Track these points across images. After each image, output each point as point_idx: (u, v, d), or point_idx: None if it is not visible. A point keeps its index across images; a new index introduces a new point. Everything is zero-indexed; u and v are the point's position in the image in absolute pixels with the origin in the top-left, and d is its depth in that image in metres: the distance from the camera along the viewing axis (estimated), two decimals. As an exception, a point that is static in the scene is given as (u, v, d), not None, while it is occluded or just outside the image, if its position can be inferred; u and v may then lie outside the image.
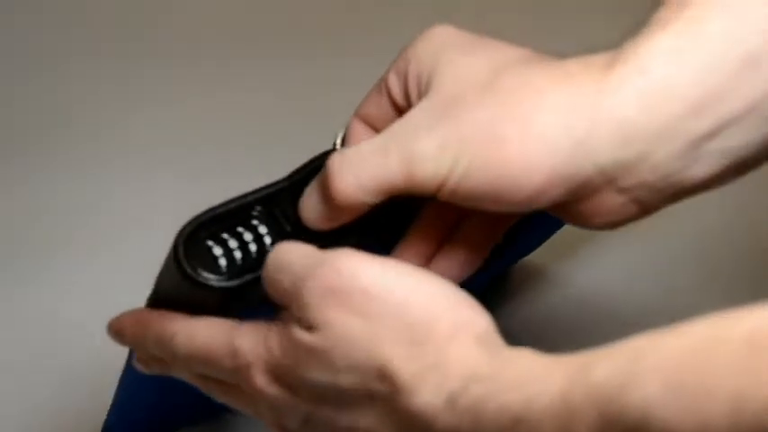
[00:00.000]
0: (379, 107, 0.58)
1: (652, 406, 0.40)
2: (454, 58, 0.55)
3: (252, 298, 0.56)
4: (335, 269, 0.51)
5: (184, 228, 0.56)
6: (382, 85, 0.58)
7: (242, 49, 1.09)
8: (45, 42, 1.09)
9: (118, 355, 0.67)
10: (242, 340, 0.53)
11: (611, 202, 0.54)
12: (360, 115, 0.59)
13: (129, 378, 0.66)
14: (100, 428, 0.72)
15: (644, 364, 0.41)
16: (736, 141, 0.53)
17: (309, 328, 0.51)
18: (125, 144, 1.00)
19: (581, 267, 0.86)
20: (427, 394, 0.48)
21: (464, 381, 0.47)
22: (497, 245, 0.61)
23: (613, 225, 0.55)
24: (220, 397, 0.56)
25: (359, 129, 0.59)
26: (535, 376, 0.45)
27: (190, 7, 1.13)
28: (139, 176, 0.97)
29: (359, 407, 0.50)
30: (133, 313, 0.59)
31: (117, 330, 0.59)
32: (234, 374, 0.54)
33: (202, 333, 0.55)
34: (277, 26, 1.11)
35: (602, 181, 0.53)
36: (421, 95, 0.56)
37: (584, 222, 0.56)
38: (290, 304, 0.52)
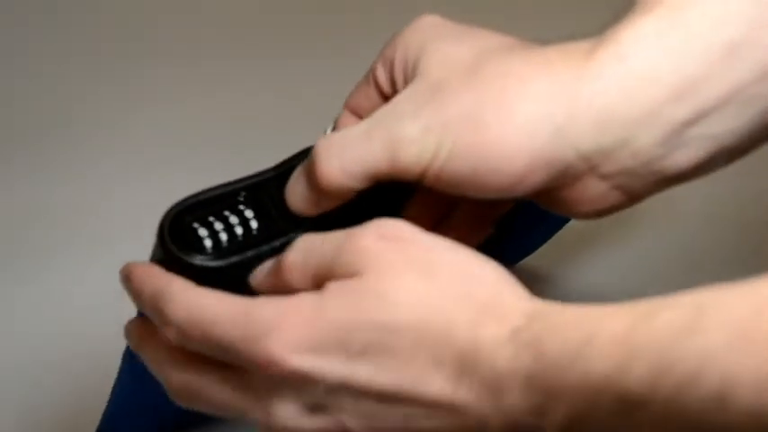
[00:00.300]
0: (368, 97, 0.58)
1: (711, 355, 0.40)
2: (440, 46, 0.55)
3: (240, 285, 0.56)
4: (383, 224, 0.51)
5: (170, 210, 0.57)
6: (370, 75, 0.58)
7: (242, 49, 1.09)
8: (45, 42, 1.09)
9: (117, 355, 0.67)
10: (259, 305, 0.50)
11: (594, 189, 0.54)
12: (349, 106, 0.60)
13: (125, 379, 0.66)
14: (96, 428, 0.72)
15: (708, 317, 0.41)
16: (719, 128, 0.53)
17: (356, 273, 0.50)
18: (125, 144, 1.00)
19: (581, 268, 0.86)
20: (491, 328, 0.47)
21: (525, 320, 0.47)
22: (492, 237, 0.60)
23: (599, 213, 0.56)
24: (200, 392, 0.53)
25: (348, 120, 0.59)
26: (597, 318, 0.45)
27: (190, 7, 1.13)
28: (139, 176, 0.98)
29: (407, 354, 0.48)
30: (144, 264, 0.56)
31: (125, 275, 0.56)
32: (239, 347, 0.51)
33: (207, 296, 0.52)
34: (278, 26, 1.11)
35: (584, 167, 0.53)
36: (407, 82, 0.56)
37: (569, 210, 0.56)
38: (328, 270, 0.51)
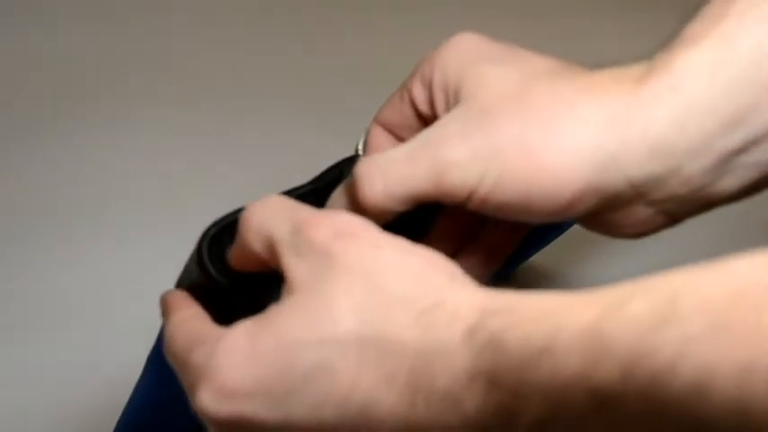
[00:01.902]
0: (402, 115, 0.58)
1: (688, 344, 0.38)
2: (483, 67, 0.54)
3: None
4: (339, 218, 0.49)
5: (209, 229, 0.56)
6: (405, 93, 0.57)
7: (248, 50, 1.09)
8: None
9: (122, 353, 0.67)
10: (195, 350, 0.49)
11: (640, 213, 0.54)
12: (380, 122, 0.59)
13: (150, 382, 0.65)
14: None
15: (683, 304, 0.38)
16: (767, 155, 0.53)
17: (300, 279, 0.48)
18: (129, 143, 1.00)
19: (586, 267, 0.86)
20: (441, 332, 0.45)
21: (479, 316, 0.44)
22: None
23: (640, 235, 0.55)
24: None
25: (380, 135, 0.59)
26: (562, 308, 0.42)
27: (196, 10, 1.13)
28: (141, 175, 0.98)
29: (352, 374, 0.46)
30: (172, 293, 0.56)
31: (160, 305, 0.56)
32: (186, 390, 0.50)
33: (186, 327, 0.52)
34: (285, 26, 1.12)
35: (633, 194, 0.53)
36: (448, 105, 0.55)
37: (611, 232, 0.55)
38: (279, 249, 0.49)
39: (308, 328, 0.47)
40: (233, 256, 0.54)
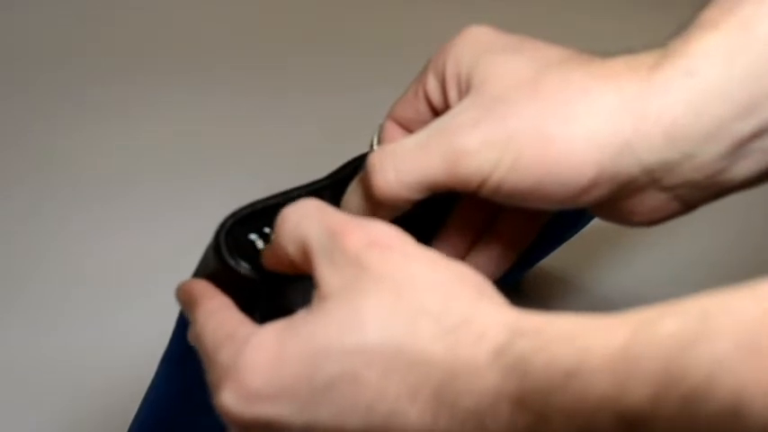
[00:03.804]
0: (416, 110, 0.58)
1: (721, 365, 0.37)
2: (495, 57, 0.55)
3: (297, 294, 0.55)
4: (374, 228, 0.49)
5: (226, 220, 0.57)
6: (419, 87, 0.58)
7: (251, 52, 1.09)
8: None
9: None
10: (220, 350, 0.49)
11: (653, 200, 0.54)
12: (394, 117, 0.59)
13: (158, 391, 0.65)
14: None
15: (715, 324, 0.38)
16: None
17: (332, 287, 0.47)
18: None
19: (597, 271, 0.86)
20: (468, 349, 0.44)
21: (506, 336, 0.44)
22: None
23: (653, 222, 0.55)
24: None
25: (394, 131, 0.59)
26: (590, 330, 0.42)
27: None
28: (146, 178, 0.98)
29: (377, 386, 0.46)
30: (195, 282, 0.56)
31: (178, 295, 0.56)
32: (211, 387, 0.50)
33: (215, 319, 0.51)
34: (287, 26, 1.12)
35: (647, 180, 0.53)
36: (461, 95, 0.55)
37: (624, 220, 0.55)
38: (313, 255, 0.49)
39: (335, 337, 0.46)
40: (266, 256, 0.54)
